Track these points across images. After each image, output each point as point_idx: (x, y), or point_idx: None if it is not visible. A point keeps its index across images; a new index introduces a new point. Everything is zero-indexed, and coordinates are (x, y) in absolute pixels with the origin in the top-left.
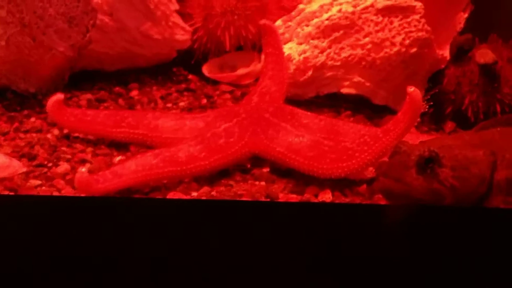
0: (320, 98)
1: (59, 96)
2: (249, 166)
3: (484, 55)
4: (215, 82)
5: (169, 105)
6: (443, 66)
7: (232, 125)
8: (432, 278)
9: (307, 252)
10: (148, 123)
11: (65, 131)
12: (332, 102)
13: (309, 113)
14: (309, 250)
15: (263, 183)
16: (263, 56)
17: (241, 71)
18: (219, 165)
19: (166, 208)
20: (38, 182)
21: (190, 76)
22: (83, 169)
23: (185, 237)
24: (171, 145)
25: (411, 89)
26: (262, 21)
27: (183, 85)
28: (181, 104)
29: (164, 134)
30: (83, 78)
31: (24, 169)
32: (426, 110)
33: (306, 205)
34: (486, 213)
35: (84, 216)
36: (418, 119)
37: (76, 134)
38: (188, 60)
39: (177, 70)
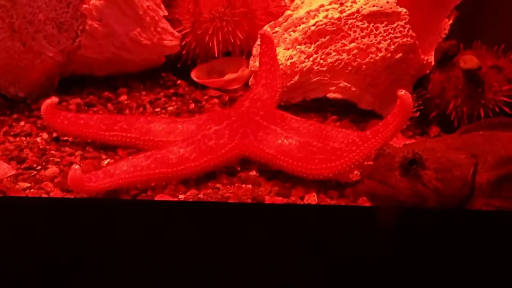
0: (306, 102)
1: (53, 99)
2: (238, 168)
3: (468, 60)
4: (203, 87)
5: (157, 109)
6: (428, 72)
7: (223, 128)
8: (415, 279)
9: (292, 253)
10: (140, 126)
11: (55, 134)
12: (318, 107)
13: (299, 118)
14: (294, 251)
15: (249, 186)
16: (251, 63)
17: (229, 76)
18: (209, 166)
19: (154, 210)
20: (27, 184)
21: (178, 81)
22: (76, 166)
23: (172, 238)
24: (163, 148)
25: (401, 92)
26: (261, 31)
27: (172, 90)
28: (170, 108)
29: (156, 138)
30: (72, 83)
31: (13, 172)
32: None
33: (291, 207)
34: (468, 215)
35: (73, 218)
36: (408, 122)
37: (65, 138)
38: (177, 66)
39: (166, 75)
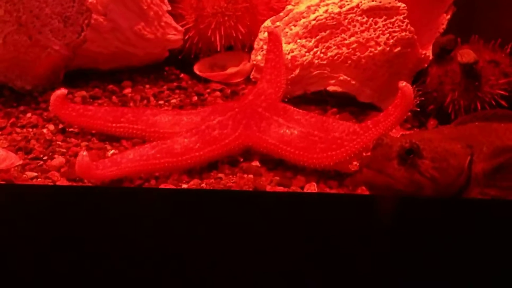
0: (307, 95)
1: (62, 91)
2: (241, 159)
3: (465, 55)
4: (206, 81)
5: (161, 102)
6: (426, 65)
7: (226, 118)
8: (412, 266)
9: (293, 240)
10: (146, 119)
11: (61, 126)
12: (318, 100)
13: (300, 110)
14: (295, 238)
15: (251, 176)
16: (252, 56)
17: (231, 70)
18: (213, 156)
19: (158, 198)
20: (34, 174)
21: (181, 75)
22: (84, 153)
23: (175, 225)
24: (168, 139)
25: (402, 84)
26: (270, 29)
27: (175, 84)
28: (173, 101)
29: (162, 129)
30: (77, 76)
31: (20, 162)
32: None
33: (292, 195)
34: (464, 204)
35: (79, 205)
36: (408, 114)
37: (71, 129)
38: (180, 60)
39: (169, 69)
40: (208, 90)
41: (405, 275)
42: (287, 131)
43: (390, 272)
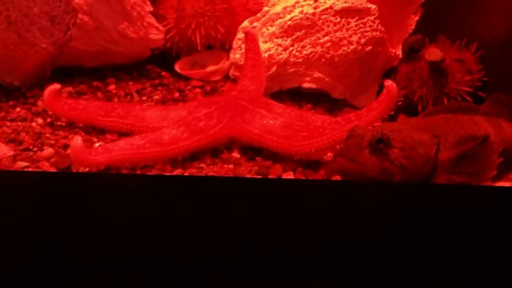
0: (282, 92)
1: (56, 86)
2: (224, 151)
3: (433, 53)
4: (186, 78)
5: (144, 98)
6: (395, 64)
7: (212, 111)
8: (382, 247)
9: (269, 222)
10: (136, 114)
11: (49, 119)
12: (294, 96)
13: (281, 104)
14: (270, 222)
15: (231, 165)
16: (231, 55)
17: (210, 68)
18: (200, 146)
19: (144, 184)
20: (25, 163)
21: (163, 73)
22: (78, 139)
23: (160, 209)
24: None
25: (388, 82)
26: (246, 29)
27: (157, 81)
28: (156, 97)
29: (150, 124)
30: (63, 73)
31: (12, 153)
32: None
33: (268, 181)
34: (431, 189)
35: (70, 191)
36: (391, 112)
37: (59, 123)
38: (161, 58)
39: (151, 67)
40: (189, 87)
41: (377, 255)
42: (270, 121)
43: (364, 253)
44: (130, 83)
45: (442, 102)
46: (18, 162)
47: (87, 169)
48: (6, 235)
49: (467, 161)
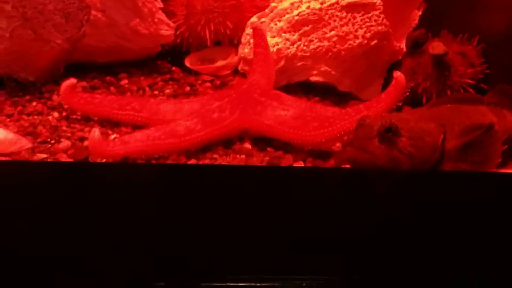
0: (291, 85)
1: (72, 80)
2: (236, 142)
3: (436, 47)
4: (196, 73)
5: (156, 92)
6: (400, 57)
7: (224, 103)
8: (391, 232)
9: (279, 210)
10: (150, 107)
11: (65, 113)
12: (302, 89)
13: (291, 96)
14: (281, 209)
15: (243, 156)
16: (240, 50)
17: (220, 63)
18: (213, 137)
19: (160, 172)
20: (44, 155)
21: (173, 68)
22: (96, 131)
23: (175, 197)
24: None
25: (397, 73)
26: (254, 25)
27: (168, 76)
28: (167, 91)
29: (165, 117)
30: (76, 69)
31: (30, 145)
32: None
33: (280, 169)
34: (439, 176)
35: (87, 180)
36: (399, 103)
37: (74, 116)
38: (172, 54)
39: (162, 62)
40: (199, 82)
41: (387, 241)
42: (281, 112)
43: (374, 239)
44: (142, 78)
45: (446, 95)
46: (37, 154)
47: (104, 160)
48: (27, 224)
49: (473, 149)
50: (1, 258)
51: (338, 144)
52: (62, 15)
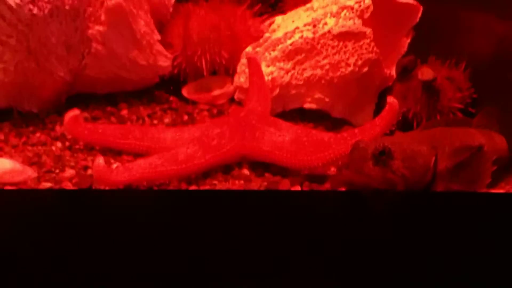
0: (286, 112)
1: (75, 111)
2: (235, 167)
3: (425, 73)
4: (193, 102)
5: (155, 121)
6: (390, 83)
7: (224, 130)
8: (386, 253)
9: (280, 232)
10: (151, 136)
11: (68, 143)
12: (296, 116)
13: (288, 122)
14: (279, 233)
15: (242, 181)
16: (235, 79)
17: (216, 92)
18: (213, 163)
19: (162, 199)
20: (49, 184)
21: (171, 98)
22: (101, 159)
23: (175, 222)
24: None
25: (390, 99)
26: (248, 55)
27: (166, 105)
28: (166, 120)
29: (166, 145)
30: (77, 100)
31: (36, 175)
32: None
33: (278, 193)
34: (431, 197)
35: (92, 207)
36: (393, 128)
37: (77, 146)
38: (169, 84)
39: (159, 93)
40: (197, 110)
41: (381, 260)
42: (279, 138)
43: (370, 257)
44: (141, 107)
45: (436, 119)
46: (43, 183)
47: (108, 187)
48: (35, 250)
49: (464, 170)
50: (9, 284)
51: (333, 169)
52: (64, 47)
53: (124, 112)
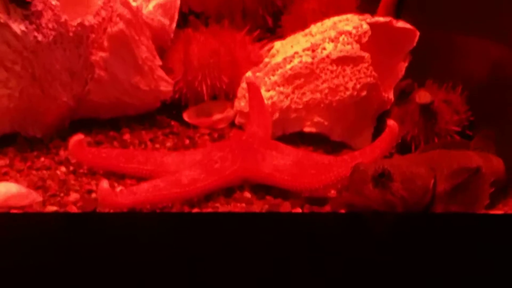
0: (286, 136)
1: (80, 136)
2: (236, 190)
3: (422, 96)
4: (194, 127)
5: (157, 145)
6: (389, 107)
7: (226, 154)
8: (385, 274)
9: (280, 257)
10: (154, 160)
11: (72, 168)
12: (295, 140)
13: (289, 146)
14: (281, 254)
15: (243, 204)
16: (235, 104)
17: (217, 116)
18: (216, 186)
19: (164, 221)
20: (54, 208)
21: (172, 122)
22: (105, 182)
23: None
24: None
25: (390, 122)
26: (248, 80)
27: (167, 130)
28: (168, 144)
29: (169, 168)
30: (80, 125)
31: (41, 199)
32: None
33: (279, 215)
34: (430, 218)
35: (96, 230)
36: (393, 150)
37: (81, 170)
38: (170, 108)
39: (160, 118)
40: (198, 135)
41: (382, 281)
42: (280, 161)
43: (369, 279)
44: (143, 132)
45: (433, 141)
46: (48, 207)
47: (112, 210)
48: (41, 273)
49: (462, 192)
50: None
51: (333, 191)
52: (68, 73)
53: (127, 136)
